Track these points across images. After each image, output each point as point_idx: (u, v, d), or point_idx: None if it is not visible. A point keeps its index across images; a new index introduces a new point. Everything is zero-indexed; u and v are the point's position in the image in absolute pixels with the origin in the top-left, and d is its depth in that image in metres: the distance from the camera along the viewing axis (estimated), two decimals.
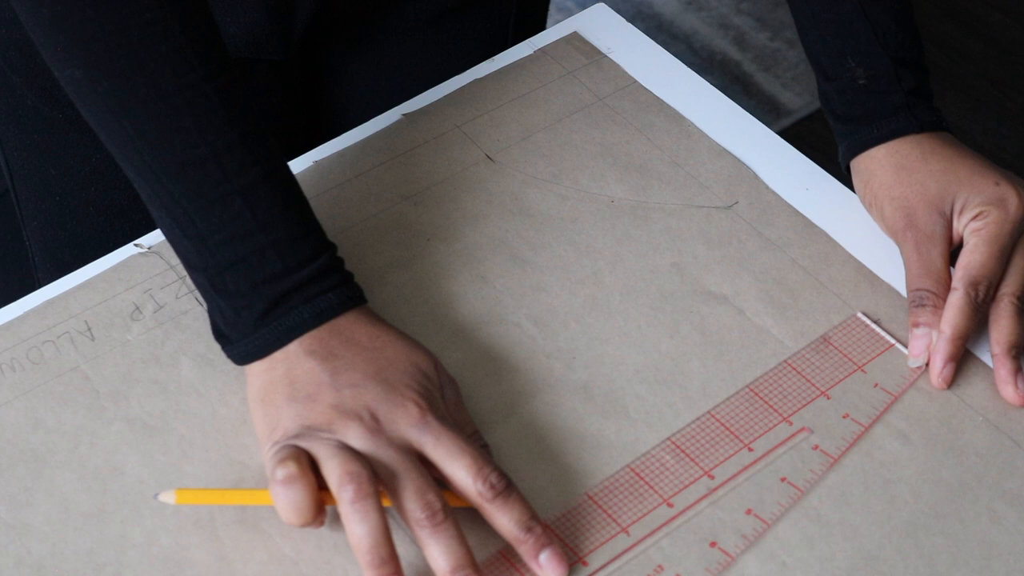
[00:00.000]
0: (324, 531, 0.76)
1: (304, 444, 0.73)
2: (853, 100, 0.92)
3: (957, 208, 0.87)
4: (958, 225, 0.87)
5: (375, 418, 0.74)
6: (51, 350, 0.82)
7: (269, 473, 0.73)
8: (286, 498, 0.71)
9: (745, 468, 0.79)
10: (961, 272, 0.85)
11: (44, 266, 1.10)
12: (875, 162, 0.91)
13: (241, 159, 0.77)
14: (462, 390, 0.81)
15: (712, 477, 0.78)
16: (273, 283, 0.77)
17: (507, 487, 0.74)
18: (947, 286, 0.85)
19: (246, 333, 0.77)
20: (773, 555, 0.76)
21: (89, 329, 0.83)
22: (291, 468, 0.71)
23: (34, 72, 1.00)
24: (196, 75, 0.76)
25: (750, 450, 0.80)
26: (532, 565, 0.74)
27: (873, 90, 0.91)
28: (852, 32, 0.92)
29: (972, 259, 0.85)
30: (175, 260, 0.86)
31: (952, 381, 0.84)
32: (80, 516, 0.76)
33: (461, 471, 0.74)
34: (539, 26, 1.15)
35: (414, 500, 0.72)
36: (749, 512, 0.77)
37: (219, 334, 0.79)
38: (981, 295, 0.84)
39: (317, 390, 0.75)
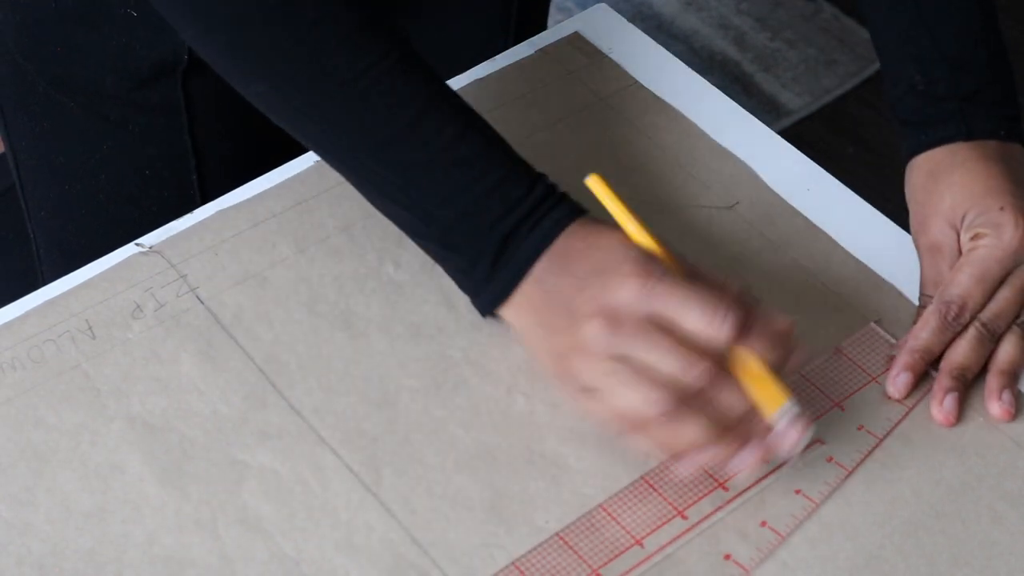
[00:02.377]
0: (325, 531, 0.76)
1: (595, 388, 0.76)
2: (911, 105, 0.91)
3: (965, 223, 0.86)
4: (963, 240, 0.86)
5: (607, 312, 0.75)
6: (52, 349, 0.82)
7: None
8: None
9: (759, 480, 0.79)
10: (940, 288, 0.85)
11: (49, 258, 1.11)
12: (916, 168, 0.90)
13: (433, 122, 0.80)
14: (460, 389, 0.80)
15: (726, 489, 0.78)
16: (498, 225, 0.79)
17: (742, 320, 0.75)
18: None
19: (487, 279, 0.80)
20: (774, 555, 0.76)
21: (90, 328, 0.83)
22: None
23: (47, 60, 1.00)
24: (371, 57, 0.79)
25: (764, 461, 0.79)
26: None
27: (929, 95, 0.90)
28: (910, 37, 0.91)
29: (954, 277, 0.85)
30: (176, 259, 0.87)
31: (908, 394, 0.83)
32: (81, 515, 0.76)
33: (696, 321, 0.75)
34: (540, 26, 1.15)
35: (683, 375, 0.74)
36: (764, 524, 0.77)
37: (465, 288, 0.82)
38: (952, 314, 0.83)
39: (555, 319, 0.77)
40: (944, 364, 0.83)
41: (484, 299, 0.80)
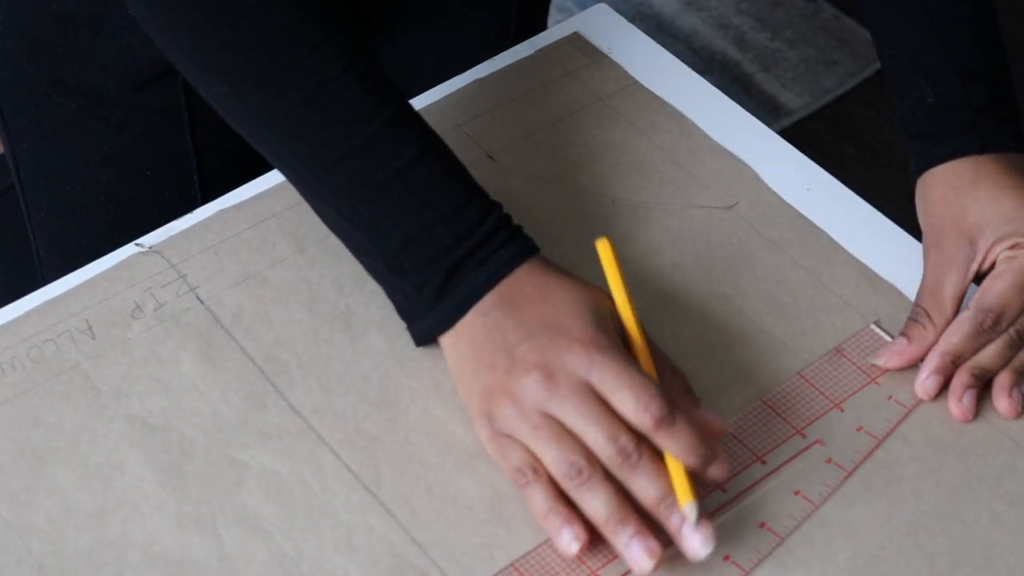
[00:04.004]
0: (325, 531, 0.76)
1: (516, 440, 0.76)
2: (922, 118, 0.90)
3: (993, 236, 0.85)
4: (993, 252, 0.85)
5: (547, 368, 0.75)
6: (52, 349, 0.82)
7: (507, 472, 0.76)
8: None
9: (758, 481, 0.79)
10: (978, 294, 0.84)
11: (49, 259, 1.11)
12: (932, 181, 0.89)
13: (393, 142, 0.79)
14: (457, 388, 0.81)
15: (725, 490, 0.78)
16: (447, 255, 0.79)
17: (668, 415, 0.73)
18: (946, 313, 0.84)
19: (429, 307, 0.79)
20: (774, 555, 0.76)
21: (90, 328, 0.83)
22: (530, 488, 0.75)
23: (48, 62, 1.00)
24: (336, 68, 0.78)
25: (763, 463, 0.79)
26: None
27: (941, 108, 0.89)
28: (921, 49, 0.91)
29: (993, 285, 0.84)
30: (176, 259, 0.87)
31: (936, 396, 0.83)
32: (81, 515, 0.76)
33: (623, 404, 0.74)
34: (540, 26, 1.15)
35: (606, 447, 0.73)
36: (763, 526, 0.77)
37: (403, 313, 0.82)
38: (989, 322, 0.83)
39: (493, 357, 0.77)
40: (967, 362, 0.83)
41: (422, 326, 0.80)
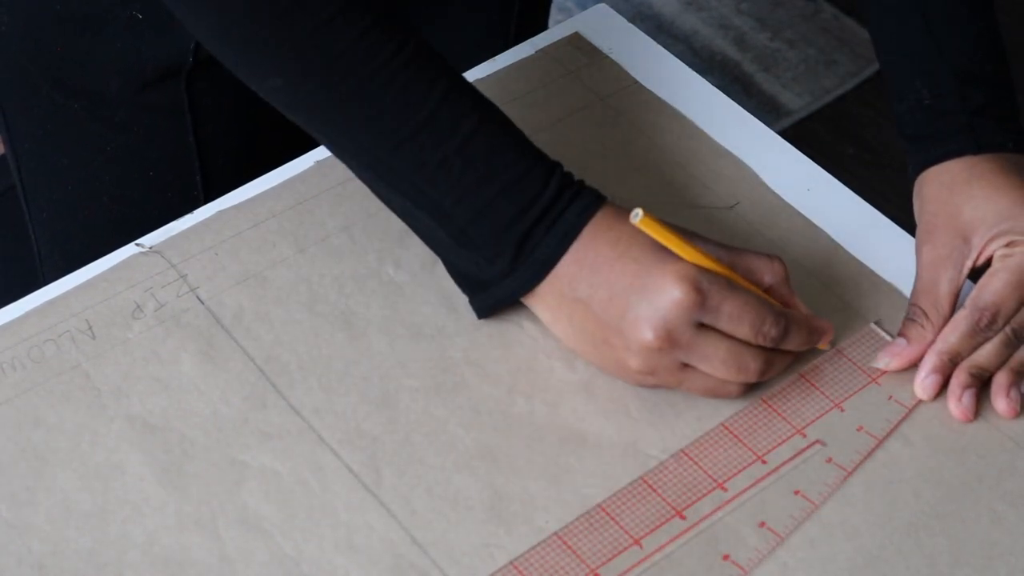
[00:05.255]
0: (325, 531, 0.76)
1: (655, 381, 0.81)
2: (919, 120, 0.90)
3: (988, 233, 0.85)
4: (988, 249, 0.85)
5: (661, 332, 0.78)
6: (52, 349, 0.82)
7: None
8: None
9: (758, 480, 0.79)
10: (974, 292, 0.84)
11: (51, 259, 1.11)
12: (927, 181, 0.89)
13: (450, 119, 0.79)
14: (460, 389, 0.80)
15: (725, 489, 0.78)
16: (513, 227, 0.80)
17: (784, 332, 0.80)
18: (943, 311, 0.84)
19: (503, 276, 0.81)
20: (774, 555, 0.76)
21: (90, 328, 0.83)
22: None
23: (50, 62, 1.00)
24: (385, 53, 0.79)
25: (763, 462, 0.79)
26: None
27: (937, 110, 0.89)
28: (918, 51, 0.91)
29: (988, 283, 0.84)
30: (176, 259, 0.87)
31: (937, 395, 0.83)
32: (81, 515, 0.76)
33: (744, 335, 0.79)
34: (541, 26, 1.15)
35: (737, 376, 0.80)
36: (763, 525, 0.77)
37: (472, 283, 0.83)
38: (986, 321, 0.83)
39: (597, 330, 0.80)
40: (965, 361, 0.83)
41: (496, 293, 0.82)
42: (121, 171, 1.05)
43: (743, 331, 0.79)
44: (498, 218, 0.80)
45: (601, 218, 0.80)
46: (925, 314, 0.84)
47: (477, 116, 0.81)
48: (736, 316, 0.78)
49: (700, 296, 0.77)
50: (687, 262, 0.79)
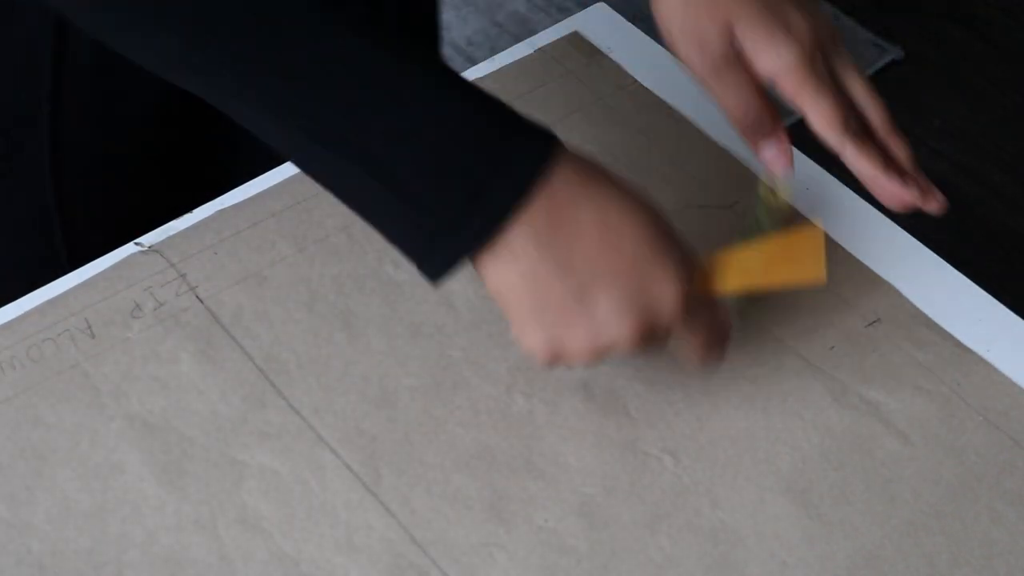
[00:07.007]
0: (325, 531, 0.76)
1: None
2: None
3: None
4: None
5: (638, 328, 0.71)
6: (51, 348, 0.82)
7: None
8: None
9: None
10: (773, 66, 0.84)
11: (79, 240, 1.00)
12: None
13: (370, 51, 0.68)
14: (459, 388, 0.80)
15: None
16: (455, 170, 0.68)
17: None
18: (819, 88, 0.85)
19: (452, 231, 0.68)
20: (773, 554, 0.76)
21: (89, 327, 0.83)
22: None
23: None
24: None
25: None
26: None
27: None
28: None
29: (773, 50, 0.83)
30: (175, 258, 0.87)
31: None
32: (80, 514, 0.76)
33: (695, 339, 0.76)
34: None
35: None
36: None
37: (416, 245, 0.70)
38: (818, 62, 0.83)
39: (564, 315, 0.70)
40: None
41: (451, 252, 0.69)
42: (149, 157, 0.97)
43: (692, 346, 0.76)
44: (439, 158, 0.68)
45: (566, 168, 0.70)
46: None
47: (400, 47, 0.69)
48: (701, 329, 0.75)
49: (681, 278, 0.72)
50: (670, 247, 0.73)
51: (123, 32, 0.71)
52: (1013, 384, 0.84)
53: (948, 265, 0.90)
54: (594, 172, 0.72)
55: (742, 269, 0.78)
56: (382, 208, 0.70)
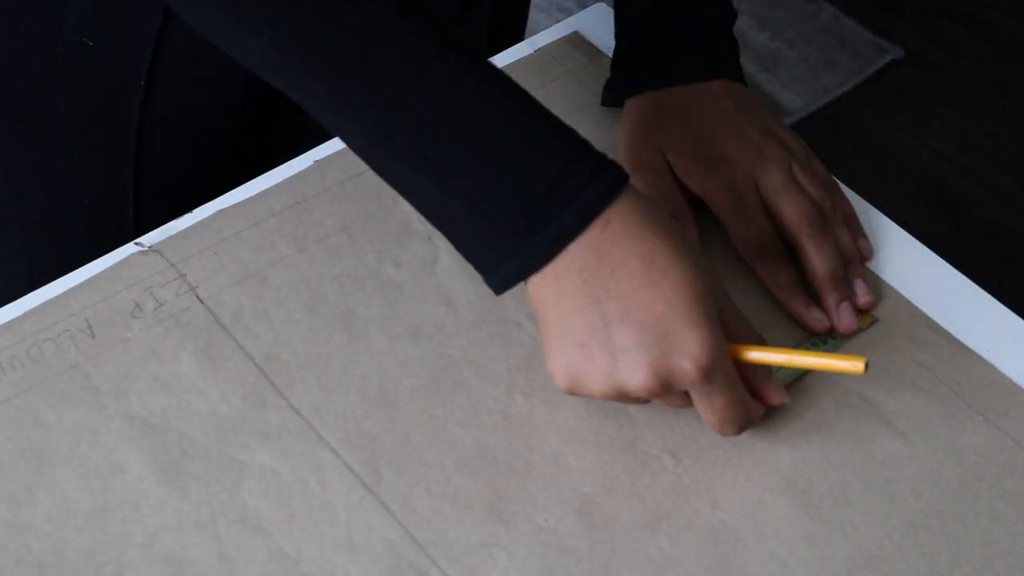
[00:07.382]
0: (325, 531, 0.76)
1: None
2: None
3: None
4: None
5: (655, 382, 0.73)
6: (51, 348, 0.82)
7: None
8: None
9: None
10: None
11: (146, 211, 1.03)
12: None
13: (448, 74, 0.72)
14: (460, 388, 0.80)
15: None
16: (526, 193, 0.71)
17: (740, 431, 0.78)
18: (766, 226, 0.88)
19: (515, 247, 0.72)
20: (773, 554, 0.76)
21: (89, 327, 0.83)
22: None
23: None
24: (377, 4, 0.72)
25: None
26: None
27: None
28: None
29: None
30: (175, 258, 0.87)
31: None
32: (80, 514, 0.76)
33: (708, 420, 0.77)
34: (517, 37, 1.12)
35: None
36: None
37: (484, 257, 0.74)
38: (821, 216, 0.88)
39: (586, 345, 0.73)
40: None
41: (510, 267, 0.73)
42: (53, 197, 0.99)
43: (707, 418, 0.77)
44: (509, 183, 0.72)
45: (626, 208, 0.73)
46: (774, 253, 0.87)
47: (476, 72, 0.73)
48: (717, 408, 0.76)
49: (707, 383, 0.74)
50: (711, 325, 0.73)
51: (213, 28, 0.75)
52: (1013, 384, 0.84)
53: (948, 265, 0.90)
54: (655, 215, 0.74)
55: (777, 368, 0.80)
56: (457, 224, 0.74)
